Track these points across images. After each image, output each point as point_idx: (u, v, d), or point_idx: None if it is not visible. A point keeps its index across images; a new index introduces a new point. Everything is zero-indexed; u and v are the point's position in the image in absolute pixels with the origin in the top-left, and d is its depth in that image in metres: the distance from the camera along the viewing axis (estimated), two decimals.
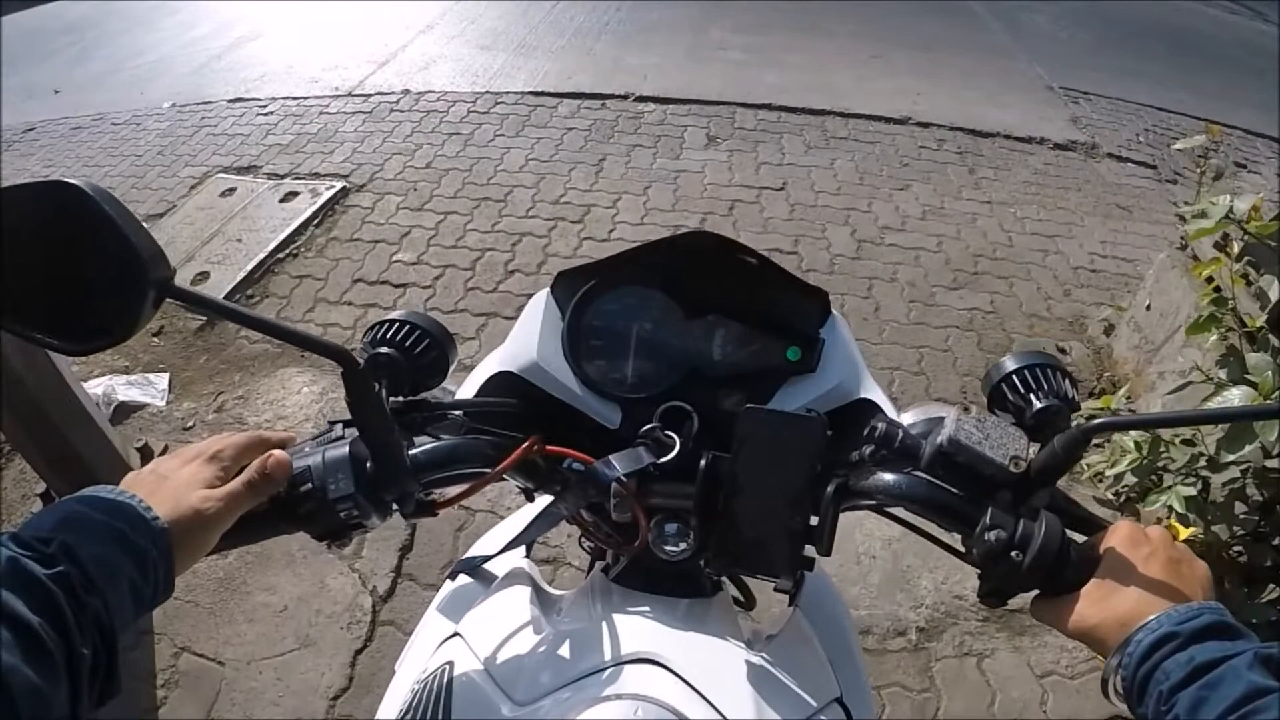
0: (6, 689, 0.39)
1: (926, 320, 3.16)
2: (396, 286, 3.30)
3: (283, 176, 4.13)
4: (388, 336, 0.74)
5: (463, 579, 0.86)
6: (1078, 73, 5.72)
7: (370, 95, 4.97)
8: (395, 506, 0.66)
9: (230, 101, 5.11)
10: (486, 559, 0.82)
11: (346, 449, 0.63)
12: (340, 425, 0.68)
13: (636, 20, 6.25)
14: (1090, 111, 5.18)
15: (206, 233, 3.70)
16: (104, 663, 0.47)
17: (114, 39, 6.47)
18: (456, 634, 0.70)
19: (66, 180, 0.48)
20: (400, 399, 0.71)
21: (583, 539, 0.84)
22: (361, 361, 0.65)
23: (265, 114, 4.88)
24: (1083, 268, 3.58)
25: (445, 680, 0.64)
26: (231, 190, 4.06)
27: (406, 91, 4.98)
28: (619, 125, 4.53)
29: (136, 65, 5.88)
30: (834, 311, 0.79)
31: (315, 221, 3.74)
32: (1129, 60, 6.20)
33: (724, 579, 0.85)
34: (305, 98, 5.02)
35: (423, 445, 0.67)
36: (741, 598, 0.90)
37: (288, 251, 3.56)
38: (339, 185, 3.97)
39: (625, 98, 4.82)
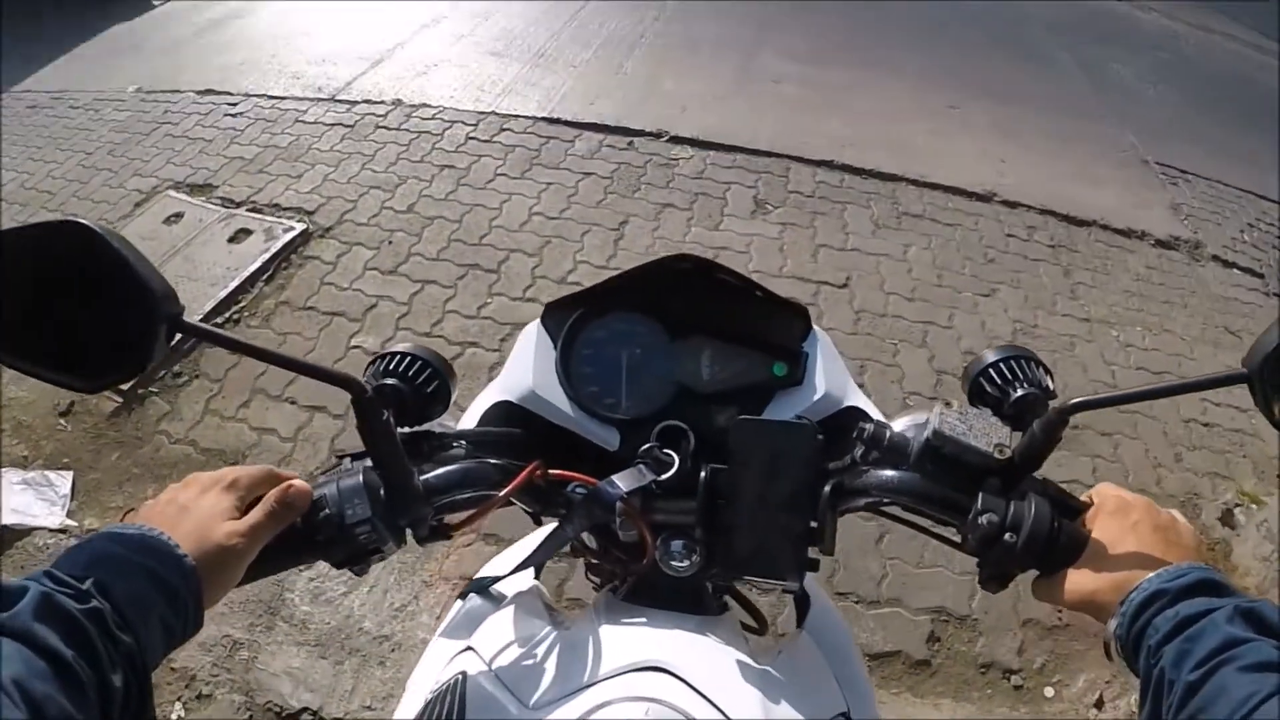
0: (41, 718, 0.40)
1: None
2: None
3: (238, 205, 3.41)
4: (391, 368, 0.76)
5: (472, 599, 0.85)
6: (1172, 145, 4.98)
7: (356, 103, 4.21)
8: (410, 532, 0.67)
9: (199, 94, 4.39)
10: (497, 579, 0.83)
11: (361, 476, 0.64)
12: (349, 459, 0.69)
13: (678, 33, 5.43)
14: (1190, 197, 4.47)
15: None
16: (135, 696, 0.47)
17: None
18: (469, 648, 0.72)
19: (76, 219, 0.50)
20: (406, 429, 0.72)
21: (589, 572, 0.87)
22: (372, 393, 0.64)
23: (233, 114, 4.15)
24: (1194, 420, 2.92)
25: (459, 688, 0.65)
26: (178, 216, 3.35)
27: (398, 102, 4.22)
28: (647, 174, 3.77)
29: (113, 34, 5.10)
30: (815, 326, 0.81)
31: (265, 274, 3.03)
32: (1221, 129, 5.49)
33: (730, 601, 0.86)
34: (282, 99, 4.28)
35: (433, 471, 0.69)
36: (754, 624, 0.89)
37: (228, 315, 2.87)
38: (299, 227, 3.23)
39: (658, 136, 4.04)
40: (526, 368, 0.78)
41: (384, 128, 3.98)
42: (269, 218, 3.31)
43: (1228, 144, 5.29)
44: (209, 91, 4.39)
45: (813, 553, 0.68)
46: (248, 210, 3.36)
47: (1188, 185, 4.61)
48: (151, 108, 4.30)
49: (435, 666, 0.74)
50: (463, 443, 0.74)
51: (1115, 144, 4.90)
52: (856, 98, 4.82)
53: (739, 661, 0.68)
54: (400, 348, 0.78)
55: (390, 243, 3.17)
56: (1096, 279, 3.57)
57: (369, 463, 0.66)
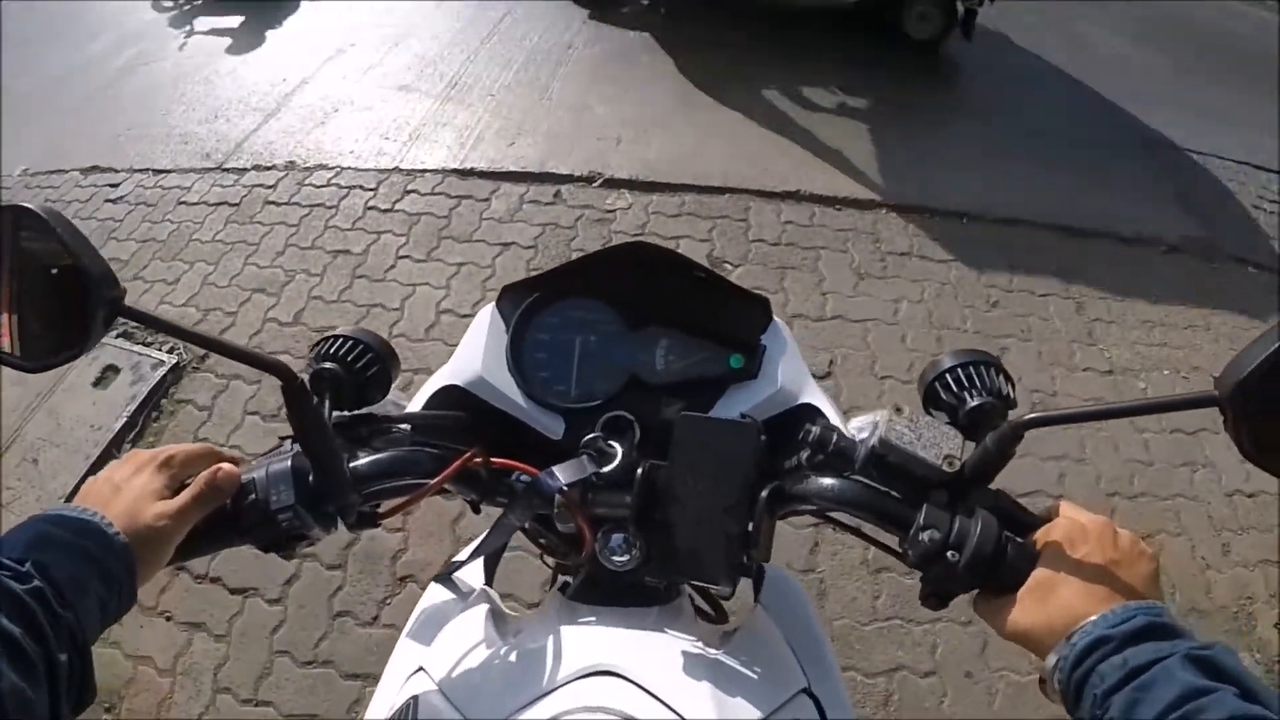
0: None
1: None
2: (233, 592, 2.06)
3: (107, 330, 2.78)
4: (331, 352, 0.75)
5: (432, 600, 0.84)
6: (1166, 114, 4.51)
7: (244, 172, 3.58)
8: (339, 518, 0.66)
9: (84, 172, 3.72)
10: (459, 565, 0.83)
11: (289, 462, 0.64)
12: (289, 441, 0.68)
13: (609, 41, 4.77)
14: (1194, 181, 4.03)
15: (9, 429, 2.52)
16: (79, 671, 0.50)
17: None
18: (420, 668, 0.70)
19: (21, 205, 0.52)
20: (345, 414, 0.71)
21: (543, 556, 0.89)
22: (305, 377, 0.65)
23: (114, 199, 3.52)
24: (1239, 492, 2.50)
25: (411, 713, 0.64)
26: None
27: (290, 166, 3.60)
28: (579, 235, 3.18)
29: (23, 90, 4.40)
30: (775, 319, 0.80)
31: (131, 432, 2.48)
32: (1209, 90, 5.04)
33: (685, 586, 0.82)
34: (166, 172, 3.65)
35: (366, 458, 0.68)
36: (711, 611, 0.89)
37: None
38: (169, 361, 2.66)
39: (590, 181, 3.45)
40: (476, 352, 0.78)
41: (272, 203, 3.36)
42: (138, 348, 2.73)
43: (1219, 105, 4.86)
44: (94, 169, 3.70)
45: (750, 558, 0.65)
46: (116, 337, 2.77)
47: (1189, 166, 4.18)
48: (35, 195, 3.63)
49: (391, 690, 0.72)
50: (406, 427, 0.72)
51: (1112, 122, 4.39)
52: (820, 97, 4.23)
53: (692, 654, 0.66)
54: (341, 331, 0.77)
55: None
56: (1113, 310, 3.09)
57: (300, 445, 0.64)
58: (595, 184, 3.44)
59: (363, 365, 0.75)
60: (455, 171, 3.51)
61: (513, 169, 3.51)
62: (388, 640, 1.94)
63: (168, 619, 2.02)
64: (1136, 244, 3.46)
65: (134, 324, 2.78)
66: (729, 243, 3.15)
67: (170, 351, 2.70)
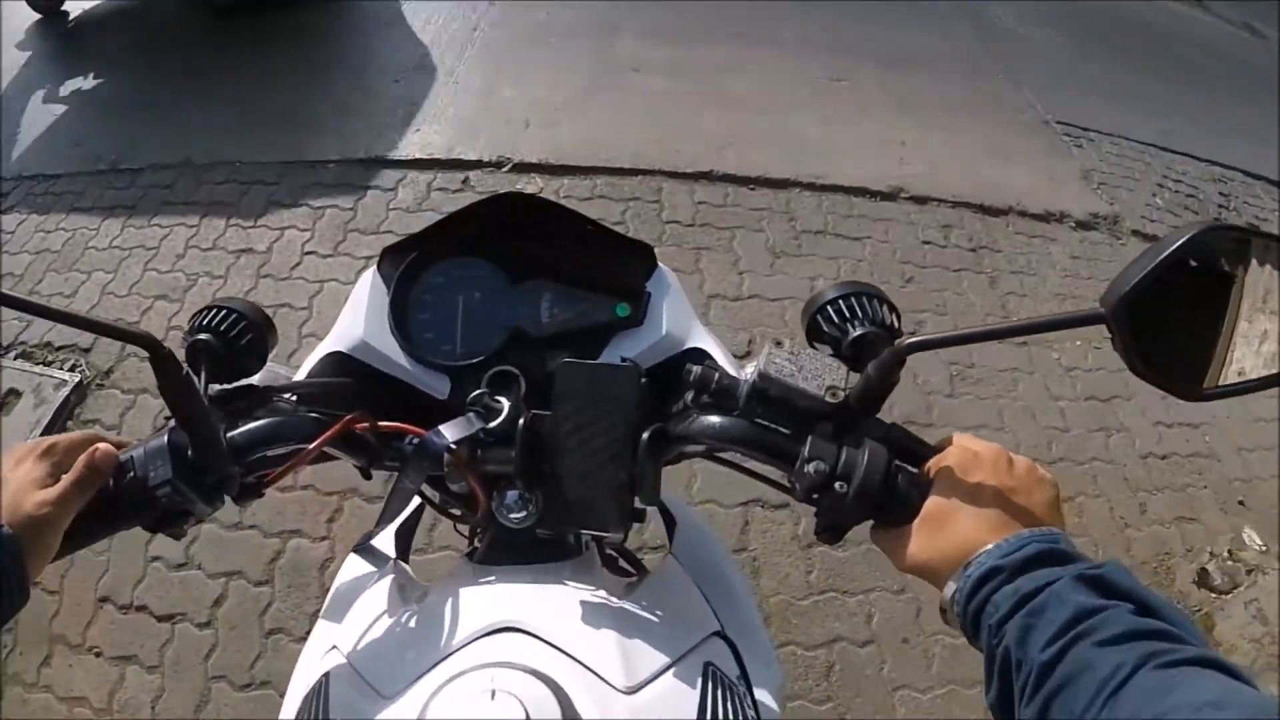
0: None
1: None
2: (160, 619, 1.96)
3: (5, 351, 2.57)
4: (206, 324, 0.73)
5: (345, 577, 0.82)
6: (1069, 99, 4.60)
7: (140, 171, 3.32)
8: (222, 490, 0.65)
9: None
10: (374, 534, 0.82)
11: (165, 437, 0.63)
12: (169, 420, 0.65)
13: (519, 20, 4.60)
14: (1097, 160, 4.11)
15: None
16: None
17: None
18: (334, 646, 0.69)
19: None
20: (224, 386, 0.70)
21: (456, 525, 0.91)
22: (179, 350, 0.64)
23: (3, 209, 3.19)
24: (1152, 454, 2.57)
25: (323, 690, 0.63)
26: None
27: (188, 163, 3.34)
28: None
29: None
30: (660, 265, 0.79)
31: None
32: (1113, 73, 5.20)
33: (590, 542, 0.82)
34: (57, 177, 3.36)
35: (243, 427, 0.65)
36: (630, 567, 0.90)
37: None
38: (72, 379, 2.46)
39: (498, 166, 3.30)
40: (359, 317, 0.77)
41: (170, 203, 3.11)
42: (38, 368, 2.51)
43: (1123, 87, 5.00)
44: None
45: (638, 502, 0.64)
46: (15, 358, 2.53)
47: (1092, 146, 4.26)
48: None
49: (306, 671, 0.70)
50: (290, 396, 0.70)
51: (1013, 105, 4.48)
52: (731, 80, 4.18)
53: (597, 604, 0.66)
54: (215, 301, 0.74)
55: None
56: (1025, 284, 3.12)
57: (174, 419, 0.63)
58: (505, 169, 3.29)
59: (236, 334, 0.72)
60: (358, 161, 3.31)
61: (419, 156, 3.34)
62: None
63: (97, 655, 1.91)
64: (1046, 220, 3.49)
65: (31, 345, 2.69)
66: (643, 224, 3.05)
67: (72, 370, 2.51)
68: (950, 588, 0.52)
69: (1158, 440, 2.59)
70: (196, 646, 1.90)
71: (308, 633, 1.79)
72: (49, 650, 1.90)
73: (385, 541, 0.85)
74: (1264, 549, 2.31)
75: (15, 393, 2.47)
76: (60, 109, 3.90)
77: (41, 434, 2.30)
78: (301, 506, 2.12)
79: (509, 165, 3.30)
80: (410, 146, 3.42)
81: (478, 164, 3.31)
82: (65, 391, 2.45)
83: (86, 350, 2.54)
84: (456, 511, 0.77)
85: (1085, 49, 5.52)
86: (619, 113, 3.78)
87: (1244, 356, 0.54)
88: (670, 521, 0.83)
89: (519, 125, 3.58)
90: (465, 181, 3.22)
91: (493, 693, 0.54)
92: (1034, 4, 6.01)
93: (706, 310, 2.71)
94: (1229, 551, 2.31)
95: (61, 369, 2.52)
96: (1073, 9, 6.15)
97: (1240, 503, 2.45)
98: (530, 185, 3.22)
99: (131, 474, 0.62)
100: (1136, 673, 0.41)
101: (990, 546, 0.51)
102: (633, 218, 3.09)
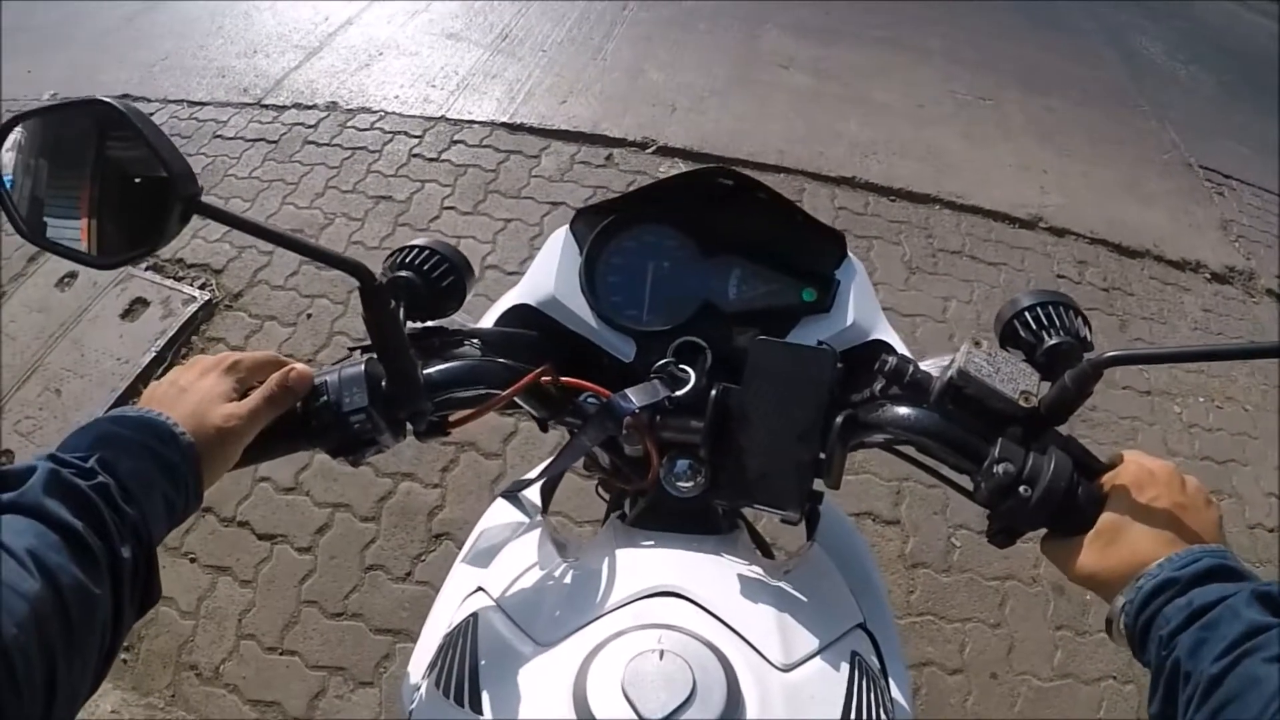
0: (57, 588, 0.41)
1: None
2: (261, 537, 2.04)
3: (137, 259, 2.74)
4: (408, 261, 0.73)
5: (491, 522, 0.86)
6: (1214, 143, 4.43)
7: (284, 109, 3.49)
8: (410, 426, 0.66)
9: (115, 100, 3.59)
10: (527, 484, 0.82)
11: (362, 366, 0.64)
12: (359, 351, 0.68)
13: (668, 4, 4.64)
14: (1238, 210, 3.95)
15: (31, 357, 2.48)
16: (143, 571, 0.49)
17: None
18: (479, 588, 0.70)
19: (101, 98, 0.53)
20: (418, 324, 0.72)
21: (599, 487, 0.90)
22: (382, 281, 0.63)
23: None
24: (1260, 525, 2.51)
25: (470, 629, 0.64)
26: (72, 278, 2.70)
27: (333, 106, 3.51)
28: None
29: (53, 18, 4.23)
30: (849, 254, 0.79)
31: (159, 368, 2.44)
32: (1261, 122, 4.92)
33: (741, 521, 0.83)
34: (202, 104, 3.55)
35: (438, 365, 0.67)
36: (761, 545, 0.89)
37: None
38: (201, 297, 2.61)
39: (643, 147, 3.40)
40: (550, 272, 0.77)
41: (313, 143, 3.28)
42: (169, 282, 2.66)
43: (1268, 140, 4.72)
44: (125, 97, 3.60)
45: (818, 485, 0.65)
46: (146, 270, 2.72)
47: (1234, 195, 4.10)
48: None
49: (448, 609, 0.73)
50: (476, 341, 0.72)
51: (1157, 143, 4.33)
52: (876, 87, 4.16)
53: (752, 580, 0.67)
54: (419, 241, 0.75)
55: (310, 315, 2.56)
56: (1154, 332, 3.07)
57: (375, 350, 0.64)
58: (649, 150, 3.38)
59: (438, 275, 0.73)
60: (504, 125, 3.44)
61: (564, 127, 3.44)
62: (421, 597, 1.94)
63: (192, 560, 1.99)
64: (1182, 268, 3.41)
65: (164, 259, 2.88)
66: None
67: (203, 288, 2.66)
68: (1120, 600, 0.53)
69: (1268, 512, 2.53)
70: (293, 569, 1.97)
71: (407, 574, 1.96)
72: None
73: (534, 493, 0.87)
74: None
75: (143, 301, 2.61)
76: (212, 40, 4.09)
77: (165, 345, 2.47)
78: (417, 451, 2.18)
79: (654, 147, 3.39)
80: (556, 117, 3.52)
81: (622, 142, 3.41)
82: (194, 308, 2.56)
83: (219, 271, 2.69)
84: (621, 474, 0.76)
85: (1235, 91, 5.29)
86: (764, 106, 3.82)
87: None
88: (814, 511, 0.83)
89: (665, 108, 3.66)
90: (609, 158, 3.32)
91: (661, 653, 0.55)
92: (1185, 38, 5.78)
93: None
94: None
95: (192, 285, 2.65)
96: (1225, 47, 5.90)
97: None
98: (675, 170, 3.29)
99: (325, 398, 0.63)
100: None
101: (1163, 560, 0.52)
102: None
